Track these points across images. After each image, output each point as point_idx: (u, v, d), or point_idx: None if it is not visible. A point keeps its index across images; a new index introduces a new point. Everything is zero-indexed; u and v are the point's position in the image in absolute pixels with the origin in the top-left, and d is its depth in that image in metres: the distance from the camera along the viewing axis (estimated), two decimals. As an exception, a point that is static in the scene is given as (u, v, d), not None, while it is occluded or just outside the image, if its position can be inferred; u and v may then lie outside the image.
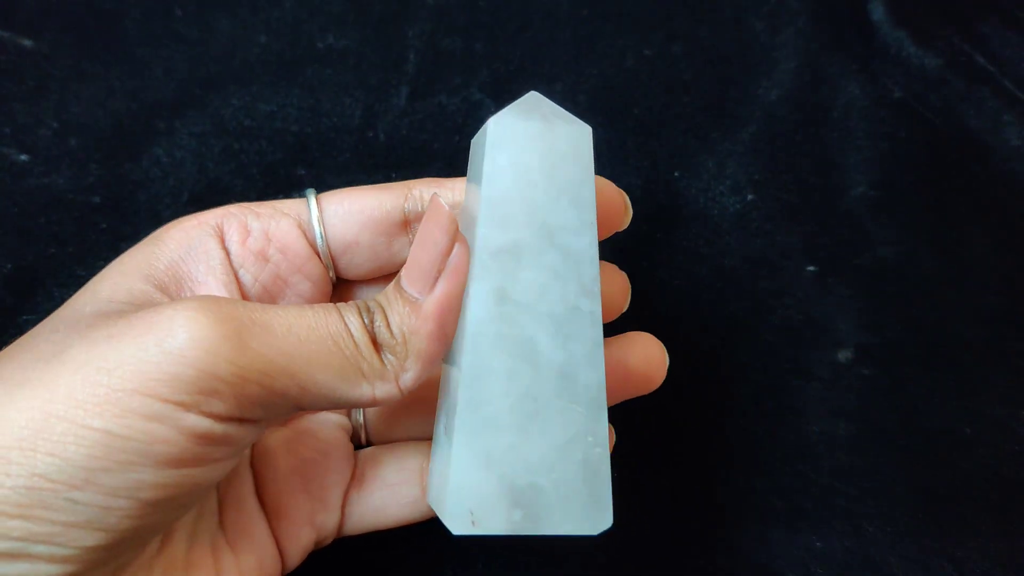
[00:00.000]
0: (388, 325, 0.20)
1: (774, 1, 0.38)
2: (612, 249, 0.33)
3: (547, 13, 0.37)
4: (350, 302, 0.21)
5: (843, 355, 0.32)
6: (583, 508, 0.21)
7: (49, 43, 0.34)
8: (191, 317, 0.18)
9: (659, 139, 0.35)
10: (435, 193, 0.21)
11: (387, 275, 0.25)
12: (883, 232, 0.34)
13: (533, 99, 0.22)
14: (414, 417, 0.26)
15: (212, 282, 0.22)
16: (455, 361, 0.22)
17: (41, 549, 0.17)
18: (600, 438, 0.22)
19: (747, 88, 0.36)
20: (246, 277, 0.23)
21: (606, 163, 0.34)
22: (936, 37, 0.38)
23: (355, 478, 0.25)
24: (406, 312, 0.20)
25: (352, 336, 0.20)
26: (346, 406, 0.20)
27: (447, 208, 0.20)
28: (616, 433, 0.29)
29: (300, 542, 0.24)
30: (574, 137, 0.22)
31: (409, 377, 0.20)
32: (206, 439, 0.18)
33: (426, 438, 0.25)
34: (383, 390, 0.20)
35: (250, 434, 0.20)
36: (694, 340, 0.32)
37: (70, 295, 0.29)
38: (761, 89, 0.36)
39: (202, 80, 0.34)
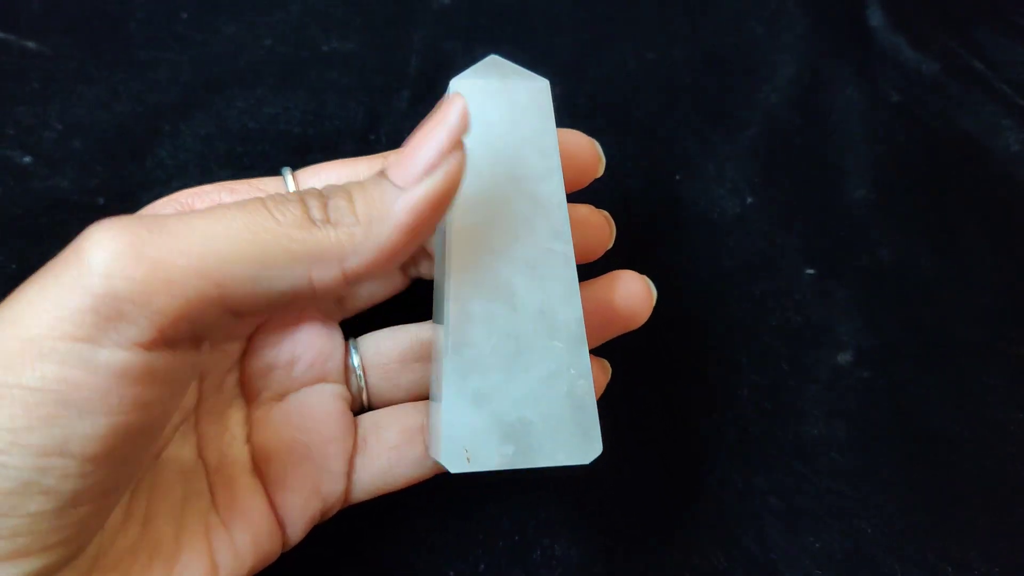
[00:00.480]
0: (352, 205, 0.18)
1: (774, 6, 0.38)
2: (612, 251, 0.33)
3: (548, 17, 0.37)
4: (290, 192, 0.19)
5: (842, 357, 0.32)
6: (572, 438, 0.22)
7: (53, 45, 0.34)
8: (90, 241, 0.17)
9: (659, 142, 0.35)
10: (457, 92, 0.20)
11: None
12: (882, 235, 0.34)
13: (493, 61, 0.23)
14: (413, 374, 0.26)
15: None
16: (439, 311, 0.23)
17: None
18: (583, 371, 0.22)
19: (747, 91, 0.36)
20: None
21: (607, 165, 0.34)
22: (933, 42, 0.39)
23: (357, 444, 0.25)
24: (381, 197, 0.18)
25: (275, 217, 0.18)
26: (285, 302, 0.18)
27: (463, 107, 0.19)
28: (613, 430, 0.30)
29: (305, 513, 0.23)
30: (533, 91, 0.23)
31: (357, 262, 0.18)
32: (130, 376, 0.17)
33: (425, 396, 0.26)
34: (322, 272, 0.18)
35: (185, 360, 0.18)
36: (694, 341, 0.32)
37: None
38: (761, 93, 0.36)
39: (206, 82, 0.34)
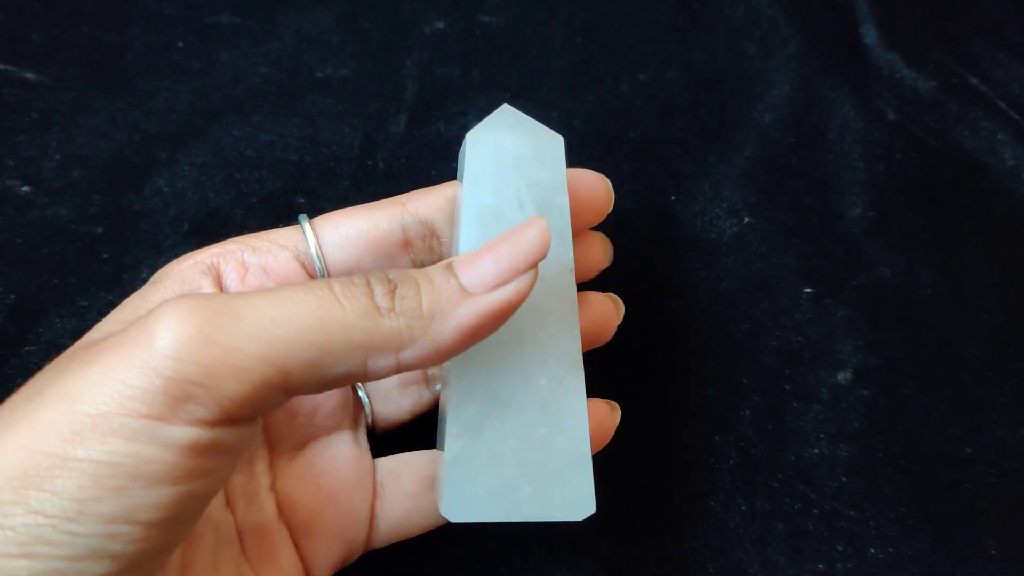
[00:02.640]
0: (420, 298, 0.19)
1: (766, 25, 0.38)
2: (609, 273, 0.33)
3: (542, 41, 0.37)
4: (355, 275, 0.19)
5: (842, 376, 0.32)
6: (568, 494, 0.23)
7: (53, 76, 0.34)
8: (159, 323, 0.17)
9: (655, 163, 0.35)
10: (542, 219, 0.20)
11: None
12: (880, 253, 0.34)
13: (506, 111, 0.23)
14: (411, 396, 0.27)
15: None
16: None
17: None
18: (580, 427, 0.23)
19: (741, 112, 0.36)
20: None
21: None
22: (928, 59, 0.39)
23: (376, 491, 0.25)
24: (447, 296, 0.19)
25: (342, 304, 0.18)
26: (340, 383, 0.19)
27: (546, 234, 0.19)
28: (613, 455, 0.29)
29: (330, 559, 0.24)
30: (546, 147, 0.23)
31: (413, 355, 0.19)
32: (195, 449, 0.17)
33: (425, 412, 0.27)
34: (378, 361, 0.19)
35: (245, 434, 0.19)
36: (692, 363, 0.32)
37: (73, 325, 0.30)
38: (755, 112, 0.37)
39: (203, 111, 0.34)
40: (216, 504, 0.23)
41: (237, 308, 0.18)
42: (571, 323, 0.23)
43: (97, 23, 0.35)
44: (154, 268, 0.24)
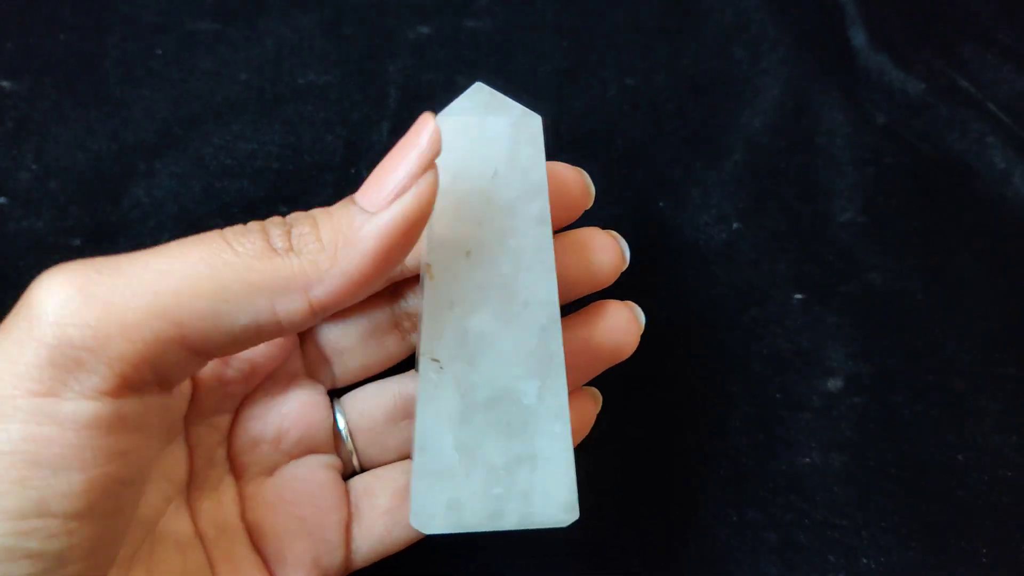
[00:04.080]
0: (317, 231, 0.18)
1: (755, 29, 0.38)
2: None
3: (529, 46, 0.37)
4: (250, 223, 0.18)
5: (833, 384, 0.32)
6: (549, 501, 0.21)
7: (28, 85, 0.34)
8: (37, 291, 0.16)
9: (643, 169, 0.35)
10: (428, 112, 0.19)
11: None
12: (871, 258, 0.34)
13: (479, 89, 0.22)
14: (402, 432, 0.25)
15: None
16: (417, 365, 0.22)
17: None
18: (562, 432, 0.22)
19: (730, 117, 0.36)
20: None
21: (590, 194, 0.34)
22: (918, 61, 0.38)
23: (351, 512, 0.24)
24: (347, 222, 0.18)
25: (233, 248, 0.17)
26: (250, 336, 0.18)
27: (434, 130, 0.18)
28: (601, 464, 0.29)
29: None
30: (522, 128, 0.22)
31: (323, 292, 0.17)
32: (99, 426, 0.16)
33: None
34: (287, 304, 0.17)
35: (153, 405, 0.17)
36: (683, 371, 0.32)
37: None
38: (744, 117, 0.36)
39: (182, 120, 0.33)
40: (184, 533, 0.22)
41: (119, 264, 0.16)
42: (552, 320, 0.22)
43: (73, 30, 0.35)
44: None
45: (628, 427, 0.30)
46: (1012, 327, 0.33)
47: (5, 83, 0.34)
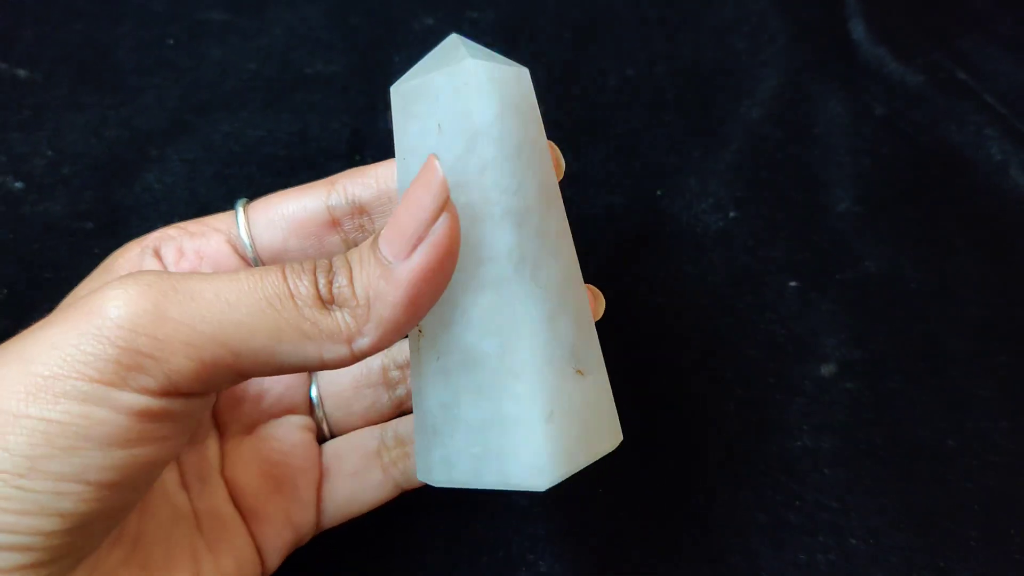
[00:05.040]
0: (352, 284, 0.19)
1: (755, 20, 0.38)
2: (596, 267, 0.33)
3: (531, 36, 0.37)
4: (306, 261, 0.20)
5: (826, 369, 0.32)
6: (520, 463, 0.20)
7: (45, 73, 0.35)
8: (116, 294, 0.18)
9: (642, 158, 0.35)
10: (432, 155, 0.19)
11: None
12: (866, 247, 0.35)
13: (456, 43, 0.21)
14: (365, 400, 0.27)
15: None
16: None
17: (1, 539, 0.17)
18: (527, 396, 0.20)
19: (729, 107, 0.37)
20: None
21: (590, 181, 0.34)
22: (917, 53, 0.39)
23: (322, 473, 0.26)
24: (376, 275, 0.19)
25: (292, 296, 0.19)
26: (296, 370, 0.19)
27: (440, 171, 0.18)
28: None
29: (279, 542, 0.24)
30: (510, 80, 0.21)
31: (365, 343, 0.19)
32: (145, 415, 0.18)
33: (376, 421, 0.27)
34: (332, 352, 0.19)
35: (195, 406, 0.19)
36: (678, 356, 0.32)
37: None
38: (743, 107, 0.37)
39: (193, 107, 0.34)
40: (171, 482, 0.23)
41: (193, 288, 0.18)
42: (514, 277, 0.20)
43: (88, 21, 0.36)
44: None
45: (623, 410, 0.31)
46: (1004, 315, 0.33)
47: (22, 72, 0.35)
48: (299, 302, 0.19)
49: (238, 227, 0.24)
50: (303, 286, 0.19)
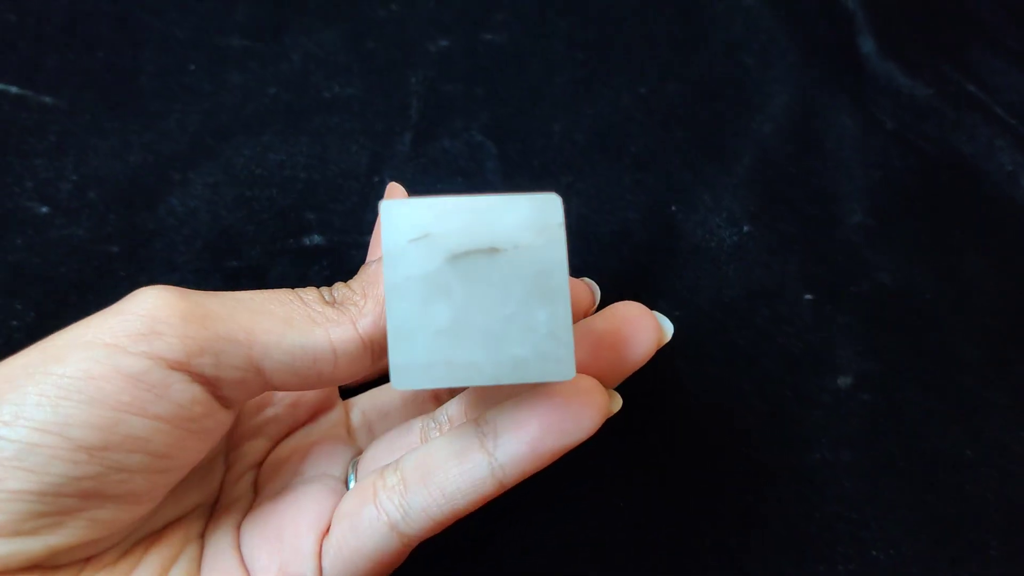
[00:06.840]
0: (350, 289, 0.22)
1: (765, 37, 0.39)
2: (614, 283, 0.33)
3: (543, 57, 0.38)
4: (310, 287, 0.23)
5: (843, 381, 0.33)
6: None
7: (69, 100, 0.35)
8: (145, 298, 0.20)
9: (655, 174, 0.36)
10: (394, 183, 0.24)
11: None
12: (880, 259, 0.35)
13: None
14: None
15: None
16: None
17: None
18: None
19: (741, 122, 0.37)
20: None
21: (604, 199, 0.35)
22: (926, 67, 0.39)
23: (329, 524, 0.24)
24: (368, 271, 0.22)
25: (299, 299, 0.21)
26: (307, 365, 0.21)
27: (397, 187, 0.23)
28: (614, 460, 0.30)
29: None
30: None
31: (368, 321, 0.21)
32: (144, 380, 0.19)
33: None
34: (339, 332, 0.21)
35: (216, 415, 0.20)
36: (695, 371, 0.33)
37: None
38: (754, 123, 0.37)
39: (214, 132, 0.35)
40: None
41: (211, 298, 0.20)
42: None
43: (110, 48, 0.36)
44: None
45: (643, 424, 0.31)
46: (1019, 324, 0.34)
47: (47, 99, 0.35)
48: (307, 302, 0.21)
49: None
50: (308, 294, 0.22)
